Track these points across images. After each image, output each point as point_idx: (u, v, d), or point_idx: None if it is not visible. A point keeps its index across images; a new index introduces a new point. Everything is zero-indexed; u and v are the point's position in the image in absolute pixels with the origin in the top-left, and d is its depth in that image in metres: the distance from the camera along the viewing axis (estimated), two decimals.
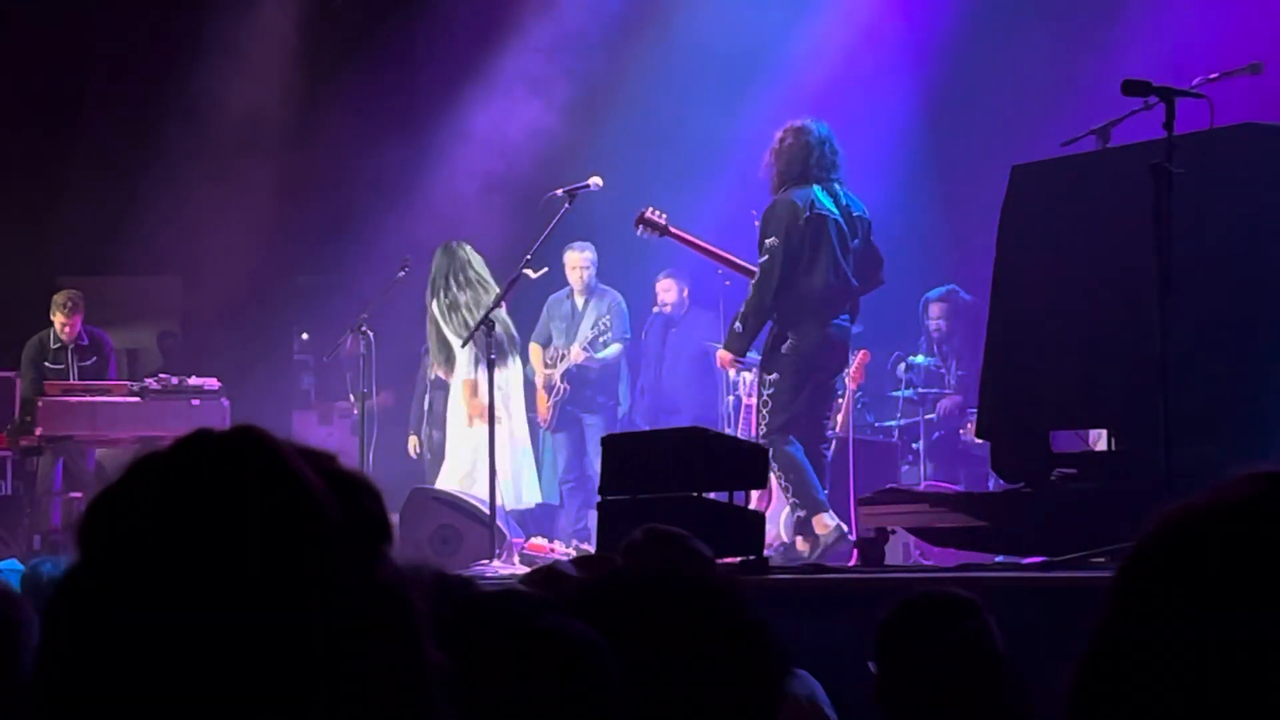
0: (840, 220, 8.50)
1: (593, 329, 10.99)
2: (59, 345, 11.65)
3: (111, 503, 1.14)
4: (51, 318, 11.65)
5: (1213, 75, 6.88)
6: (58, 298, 11.66)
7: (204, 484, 1.12)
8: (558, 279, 10.99)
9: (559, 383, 11.02)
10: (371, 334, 10.71)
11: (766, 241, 8.48)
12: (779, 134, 8.64)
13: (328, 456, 1.17)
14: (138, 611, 1.08)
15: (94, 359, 11.69)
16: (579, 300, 11.14)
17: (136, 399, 10.96)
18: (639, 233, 9.27)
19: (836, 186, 8.57)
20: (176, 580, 1.08)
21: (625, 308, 11.21)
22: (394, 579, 1.14)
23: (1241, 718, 1.05)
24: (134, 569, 1.09)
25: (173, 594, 1.08)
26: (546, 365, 11.14)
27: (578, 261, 11.06)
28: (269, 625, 1.08)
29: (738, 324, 8.62)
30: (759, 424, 8.53)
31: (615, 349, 11.09)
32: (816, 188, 8.48)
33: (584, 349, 10.93)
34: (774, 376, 8.48)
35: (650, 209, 9.17)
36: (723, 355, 8.83)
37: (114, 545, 1.11)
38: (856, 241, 8.56)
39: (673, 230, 9.14)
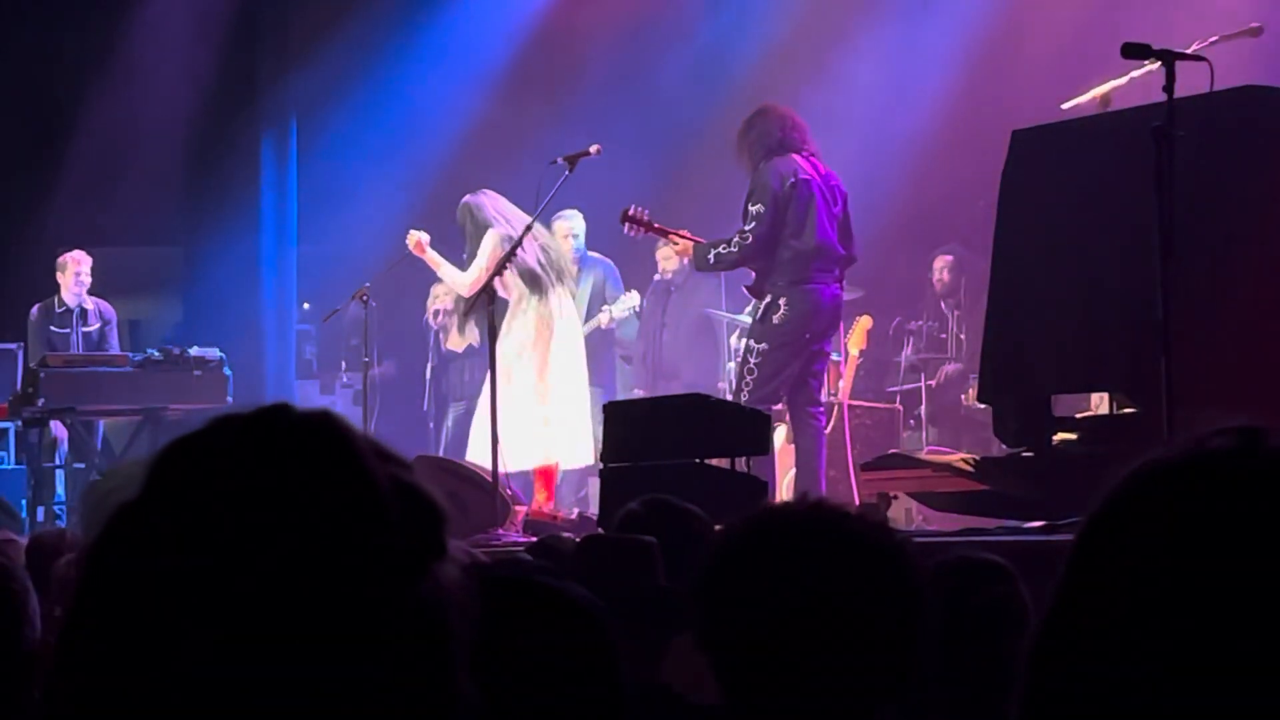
0: (822, 185, 8.55)
1: (621, 306, 10.98)
2: (64, 309, 11.71)
3: (192, 448, 1.15)
4: (59, 278, 11.71)
5: (1213, 38, 6.87)
6: (61, 260, 11.72)
7: (280, 454, 1.13)
8: None
9: None
10: (374, 303, 10.71)
11: (752, 209, 8.51)
12: (742, 122, 8.73)
13: (400, 462, 1.18)
14: (191, 557, 1.09)
15: (98, 326, 11.74)
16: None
17: (139, 370, 10.97)
18: (625, 230, 9.29)
19: (813, 158, 8.63)
20: (235, 540, 1.09)
21: (617, 273, 11.29)
22: (436, 598, 1.15)
23: (1206, 681, 1.05)
24: (197, 516, 1.10)
25: (228, 553, 1.09)
26: None
27: (566, 230, 11.06)
28: (309, 610, 1.09)
29: (712, 253, 8.69)
30: (739, 391, 8.56)
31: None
32: (796, 156, 8.53)
33: (614, 317, 10.96)
34: (763, 346, 8.51)
35: (633, 206, 9.19)
36: (686, 248, 8.96)
37: (183, 488, 1.12)
38: (838, 209, 8.62)
39: (656, 225, 9.16)
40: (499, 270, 9.10)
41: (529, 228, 9.17)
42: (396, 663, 1.11)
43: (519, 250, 9.28)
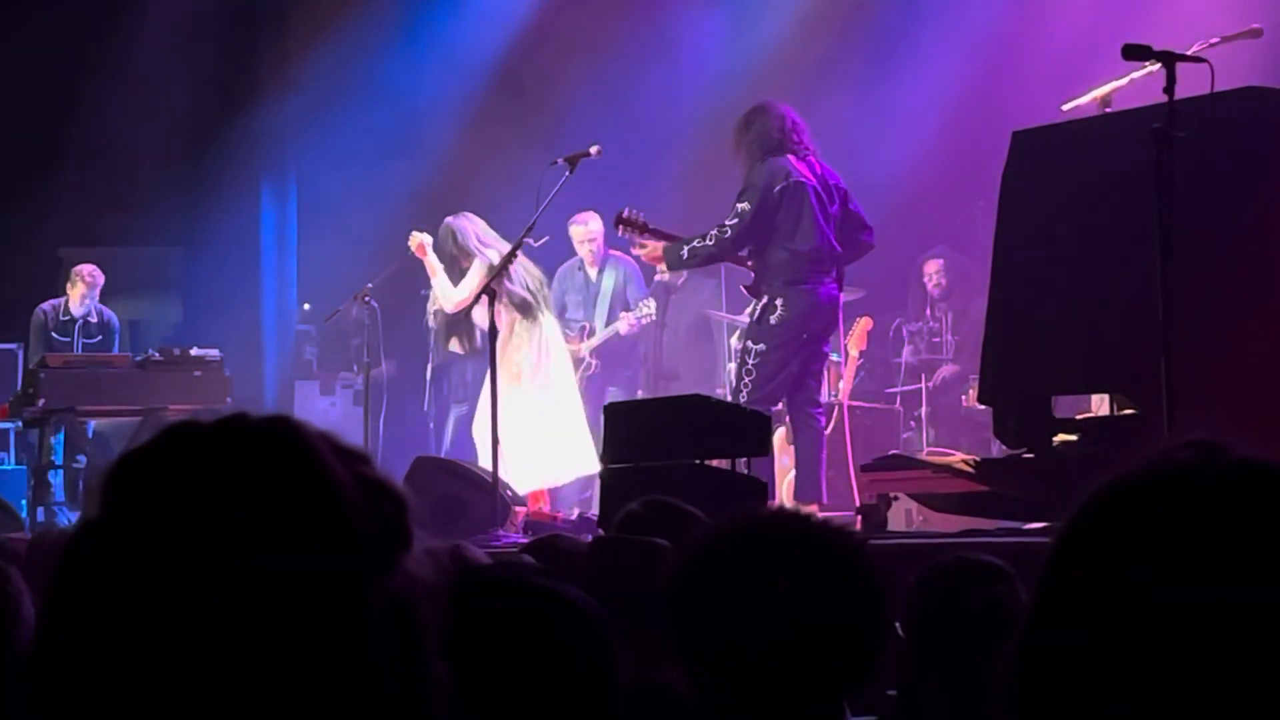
0: (818, 187, 8.54)
1: (633, 309, 10.91)
2: (68, 318, 11.68)
3: (143, 462, 1.15)
4: (68, 289, 11.68)
5: (1213, 39, 6.87)
6: (76, 272, 11.69)
7: (235, 464, 1.13)
8: (562, 248, 10.95)
9: (589, 358, 10.95)
10: (375, 304, 10.69)
11: (738, 205, 8.52)
12: (740, 118, 8.71)
13: (361, 457, 1.18)
14: (153, 570, 1.09)
15: (99, 338, 11.70)
16: (591, 271, 11.11)
17: (139, 370, 10.97)
18: (620, 233, 9.27)
19: (810, 157, 8.62)
20: (195, 550, 1.09)
21: (639, 274, 11.24)
22: (405, 588, 1.15)
23: (1177, 692, 1.07)
24: (155, 530, 1.11)
25: (189, 564, 1.09)
26: (568, 339, 11.07)
27: (584, 235, 11.00)
28: (275, 610, 1.09)
29: (686, 249, 8.67)
30: (738, 392, 8.57)
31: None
32: (791, 158, 8.53)
33: (635, 320, 10.89)
34: (760, 347, 8.51)
35: (628, 209, 9.17)
36: (655, 251, 8.89)
37: (139, 503, 1.12)
38: (835, 208, 8.61)
39: (651, 228, 9.15)
40: (485, 292, 9.06)
41: (515, 249, 9.17)
42: (368, 656, 1.11)
43: (506, 281, 9.33)
